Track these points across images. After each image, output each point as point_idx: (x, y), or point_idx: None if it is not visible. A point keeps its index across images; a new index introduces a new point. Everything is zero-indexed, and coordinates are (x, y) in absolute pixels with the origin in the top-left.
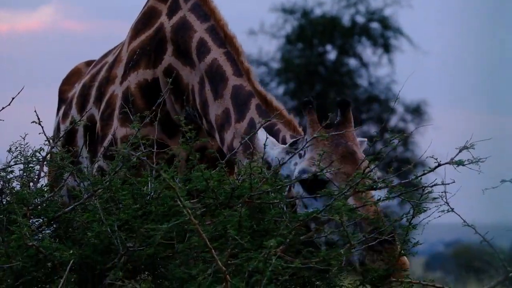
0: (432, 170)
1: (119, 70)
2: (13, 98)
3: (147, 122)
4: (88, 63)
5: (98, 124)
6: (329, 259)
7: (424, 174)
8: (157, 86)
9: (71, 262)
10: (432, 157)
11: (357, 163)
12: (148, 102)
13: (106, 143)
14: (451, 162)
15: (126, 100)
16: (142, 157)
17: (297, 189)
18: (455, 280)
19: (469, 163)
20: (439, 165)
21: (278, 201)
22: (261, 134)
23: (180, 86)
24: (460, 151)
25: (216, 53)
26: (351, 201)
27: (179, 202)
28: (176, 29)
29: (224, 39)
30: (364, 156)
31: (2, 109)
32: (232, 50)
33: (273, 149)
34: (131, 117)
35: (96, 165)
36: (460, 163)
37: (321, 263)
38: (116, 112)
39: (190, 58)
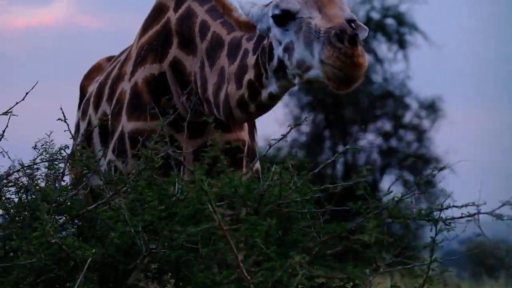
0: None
1: (128, 67)
2: (26, 93)
3: (154, 116)
4: (109, 59)
5: (109, 121)
6: (354, 278)
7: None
8: (164, 81)
9: (89, 260)
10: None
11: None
12: (155, 96)
13: (115, 138)
14: (491, 214)
15: (134, 95)
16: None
17: (273, 32)
18: (469, 276)
19: (508, 219)
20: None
21: (306, 211)
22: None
23: (184, 77)
24: (503, 205)
25: (214, 26)
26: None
27: (206, 206)
28: (181, 19)
29: (223, 12)
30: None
31: (16, 104)
32: (229, 18)
33: (253, 8)
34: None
35: (106, 160)
36: (499, 217)
37: (345, 279)
38: (125, 108)
39: (193, 45)
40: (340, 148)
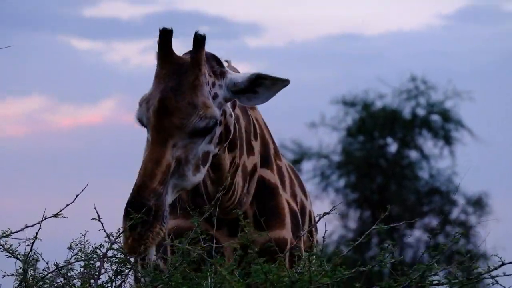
0: (496, 268)
1: None
2: (77, 195)
3: (189, 213)
4: None
5: None
6: None
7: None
8: None
9: None
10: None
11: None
12: (194, 196)
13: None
14: None
15: None
16: (201, 251)
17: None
18: None
19: None
20: (503, 264)
21: None
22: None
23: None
24: None
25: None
26: None
27: None
28: None
29: None
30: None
31: (66, 206)
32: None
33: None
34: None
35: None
36: None
37: None
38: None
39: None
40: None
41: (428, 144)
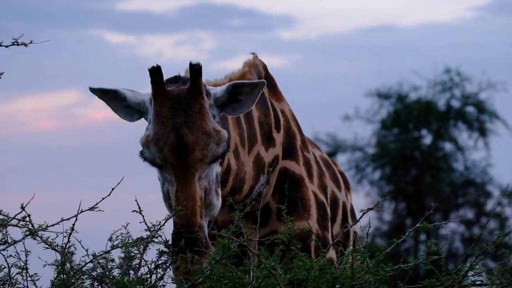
0: None
1: None
2: (113, 189)
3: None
4: None
5: None
6: None
7: None
8: None
9: None
10: None
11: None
12: None
13: None
14: None
15: None
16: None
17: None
18: None
19: None
20: None
21: None
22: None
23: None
24: None
25: None
26: None
27: None
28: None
29: None
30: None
31: (102, 200)
32: None
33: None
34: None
35: None
36: None
37: None
38: None
39: None
40: (423, 237)
41: (463, 135)
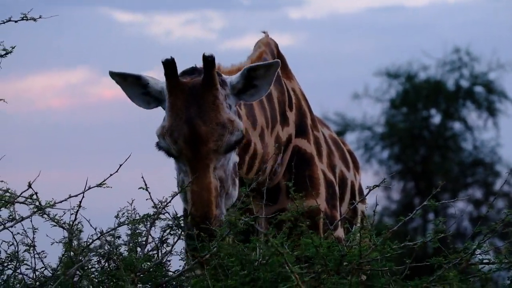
0: None
1: None
2: (120, 165)
3: None
4: None
5: None
6: None
7: None
8: None
9: None
10: None
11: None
12: None
13: None
14: None
15: None
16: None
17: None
18: None
19: None
20: None
21: (387, 268)
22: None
23: None
24: None
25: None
26: None
27: (287, 268)
28: None
29: None
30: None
31: (109, 176)
32: None
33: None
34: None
35: None
36: None
37: None
38: None
39: None
40: (431, 216)
41: (472, 115)
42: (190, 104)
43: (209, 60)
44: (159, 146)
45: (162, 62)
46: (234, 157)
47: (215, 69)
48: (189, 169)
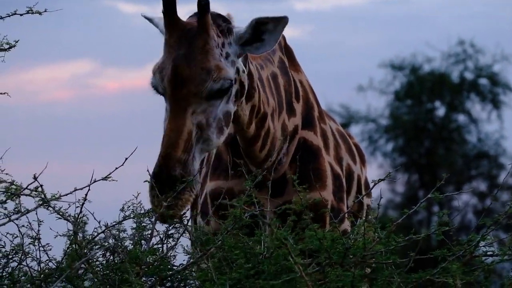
0: None
1: None
2: (126, 159)
3: (233, 175)
4: None
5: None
6: None
7: None
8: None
9: None
10: None
11: None
12: (233, 155)
13: (200, 200)
14: None
15: (216, 157)
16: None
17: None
18: None
19: None
20: None
21: (391, 261)
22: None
23: None
24: None
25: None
26: None
27: (291, 260)
28: None
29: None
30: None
31: (115, 169)
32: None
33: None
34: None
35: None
36: None
37: None
38: (210, 169)
39: None
40: (436, 209)
41: (476, 108)
42: (181, 44)
43: (202, 5)
44: (151, 83)
45: None
46: (226, 106)
47: (208, 14)
48: (168, 110)
